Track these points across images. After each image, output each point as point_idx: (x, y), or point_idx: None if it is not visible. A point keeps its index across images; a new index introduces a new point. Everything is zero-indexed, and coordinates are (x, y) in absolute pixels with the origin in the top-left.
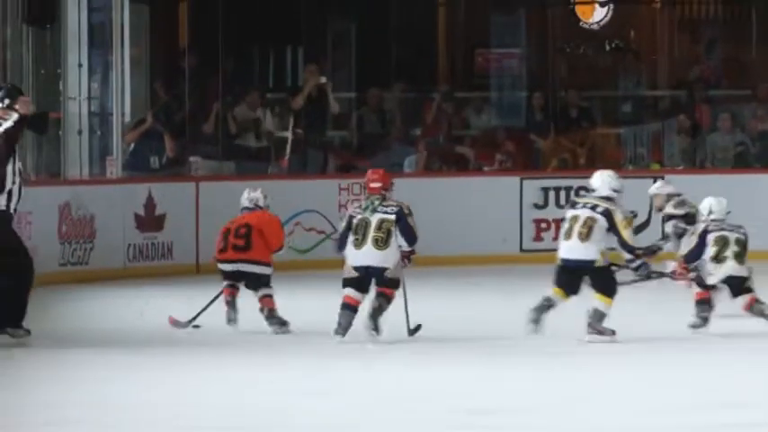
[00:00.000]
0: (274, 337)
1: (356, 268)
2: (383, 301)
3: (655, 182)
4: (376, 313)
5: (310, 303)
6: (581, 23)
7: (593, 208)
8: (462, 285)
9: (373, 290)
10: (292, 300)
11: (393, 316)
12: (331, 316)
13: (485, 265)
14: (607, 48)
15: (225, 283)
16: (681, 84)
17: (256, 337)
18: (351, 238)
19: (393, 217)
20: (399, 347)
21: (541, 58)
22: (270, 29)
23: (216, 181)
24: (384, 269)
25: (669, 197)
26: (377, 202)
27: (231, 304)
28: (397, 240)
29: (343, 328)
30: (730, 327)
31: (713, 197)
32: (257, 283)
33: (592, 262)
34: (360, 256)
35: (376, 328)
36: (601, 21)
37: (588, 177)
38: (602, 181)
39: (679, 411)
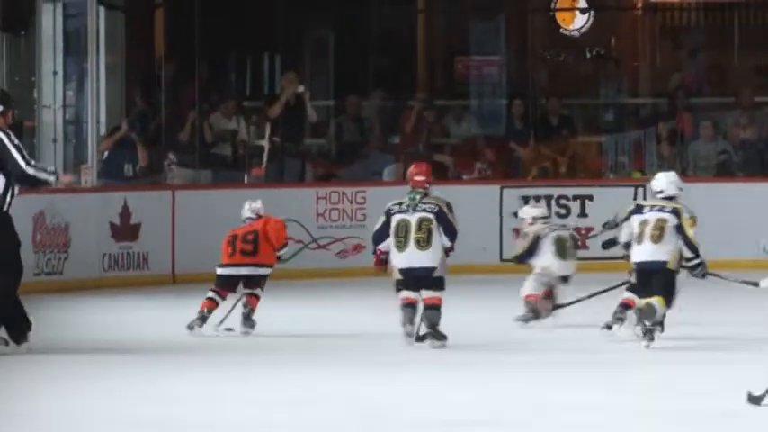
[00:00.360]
0: (249, 347)
1: (401, 270)
2: (432, 314)
3: (636, 190)
4: (434, 326)
5: (290, 312)
6: (561, 31)
7: (662, 210)
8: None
9: (420, 304)
10: (271, 308)
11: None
12: (309, 324)
13: (464, 275)
14: (588, 55)
15: (211, 293)
16: (662, 92)
17: (225, 346)
18: (392, 240)
19: (432, 216)
20: (373, 358)
21: (521, 65)
22: (247, 36)
23: (192, 190)
24: (431, 269)
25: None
26: (418, 197)
27: (204, 315)
28: (441, 239)
29: (411, 324)
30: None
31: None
32: (255, 283)
33: (664, 263)
34: (404, 258)
35: (439, 336)
36: (581, 28)
37: (569, 186)
38: (668, 182)
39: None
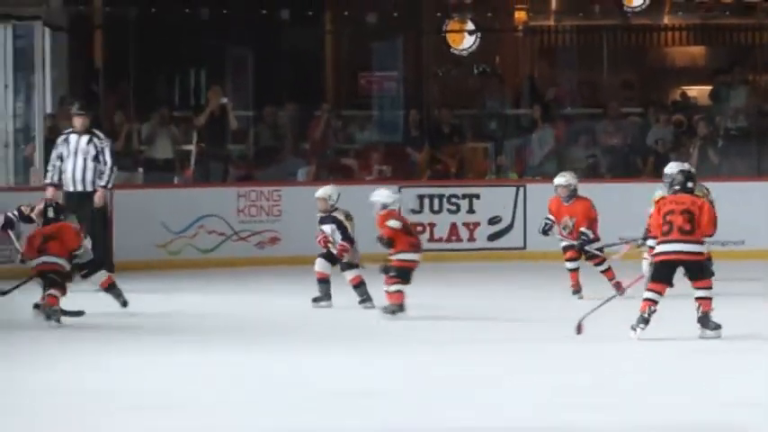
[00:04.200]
0: (178, 327)
1: None
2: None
3: (517, 190)
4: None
5: (216, 297)
6: (452, 50)
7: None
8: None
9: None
10: (197, 294)
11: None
12: (233, 307)
13: (365, 263)
14: (475, 71)
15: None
16: (540, 103)
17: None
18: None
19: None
20: (296, 334)
21: (417, 80)
22: (175, 54)
23: (126, 189)
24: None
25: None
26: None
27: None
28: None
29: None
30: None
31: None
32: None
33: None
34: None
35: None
36: (469, 48)
37: (459, 186)
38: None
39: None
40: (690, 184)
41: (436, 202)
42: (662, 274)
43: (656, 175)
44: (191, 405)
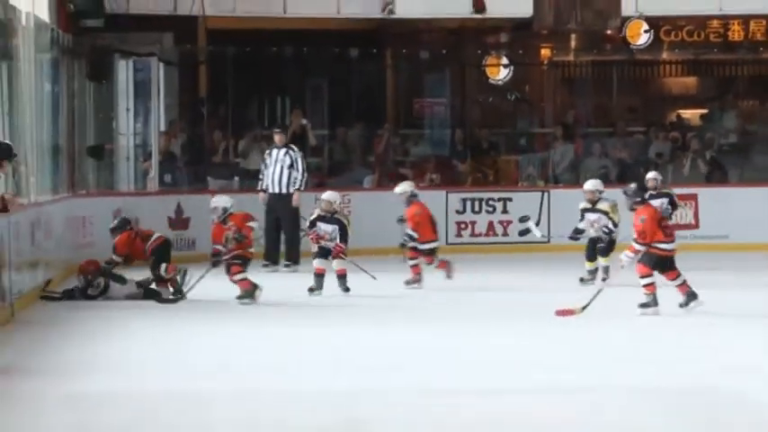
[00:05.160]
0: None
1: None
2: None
3: (542, 195)
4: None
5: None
6: (490, 80)
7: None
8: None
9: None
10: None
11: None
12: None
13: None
14: (509, 98)
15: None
16: (561, 123)
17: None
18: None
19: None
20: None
21: (461, 105)
22: (264, 84)
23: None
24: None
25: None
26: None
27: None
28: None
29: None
30: None
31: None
32: None
33: None
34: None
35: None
36: (504, 78)
37: (495, 191)
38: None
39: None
40: (646, 196)
41: (476, 204)
42: (662, 264)
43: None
44: (283, 369)
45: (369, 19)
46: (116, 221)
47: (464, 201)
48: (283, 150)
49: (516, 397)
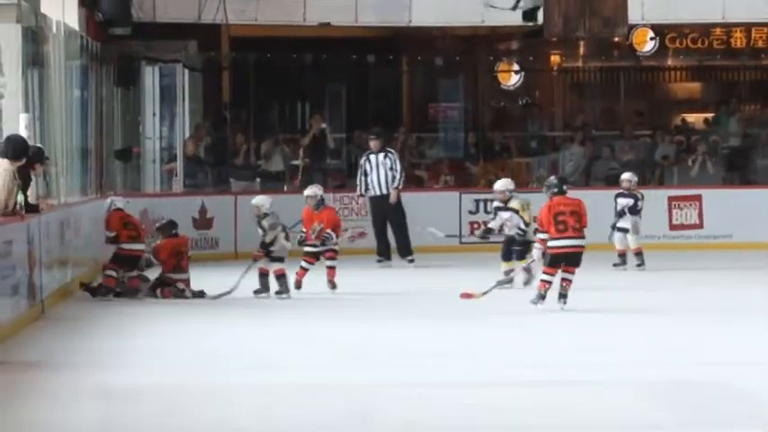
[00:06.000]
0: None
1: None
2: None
3: None
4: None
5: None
6: (501, 86)
7: None
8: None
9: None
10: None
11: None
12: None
13: (435, 253)
14: (520, 102)
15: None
16: (570, 127)
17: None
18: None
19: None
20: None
21: (474, 109)
22: (285, 89)
23: (246, 195)
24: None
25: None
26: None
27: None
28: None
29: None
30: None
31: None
32: None
33: None
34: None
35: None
36: (515, 84)
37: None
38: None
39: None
40: (565, 188)
41: (489, 204)
42: (557, 261)
43: (661, 182)
44: (294, 365)
45: (386, 27)
46: (164, 221)
47: (477, 201)
48: (382, 155)
49: (516, 390)
